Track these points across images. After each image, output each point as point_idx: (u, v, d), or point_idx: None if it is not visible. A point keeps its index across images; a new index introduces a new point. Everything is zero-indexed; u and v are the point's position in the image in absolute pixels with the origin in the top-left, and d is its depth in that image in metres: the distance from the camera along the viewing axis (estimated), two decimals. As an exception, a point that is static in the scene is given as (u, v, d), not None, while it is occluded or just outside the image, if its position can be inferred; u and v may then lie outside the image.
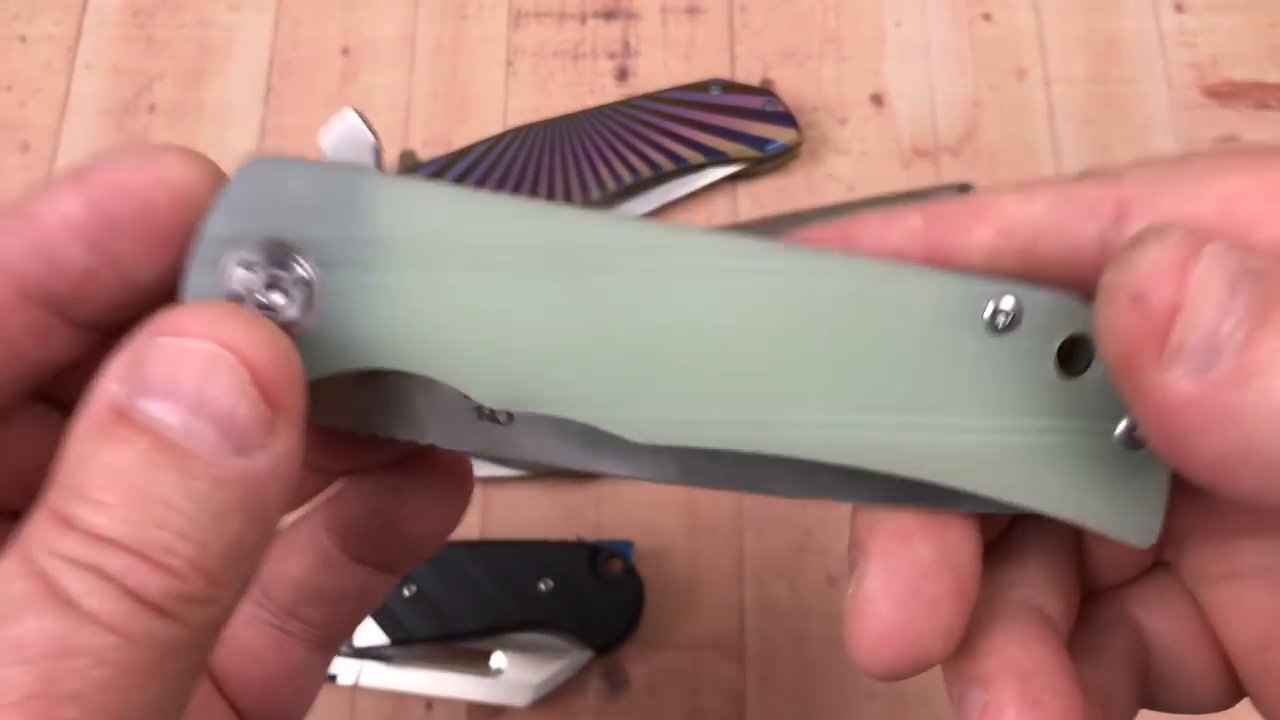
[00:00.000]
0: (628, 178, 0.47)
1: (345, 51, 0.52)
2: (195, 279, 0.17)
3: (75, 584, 0.14)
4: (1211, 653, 0.21)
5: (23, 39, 0.52)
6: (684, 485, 0.19)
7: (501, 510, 0.44)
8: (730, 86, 0.49)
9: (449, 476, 0.22)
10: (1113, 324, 0.16)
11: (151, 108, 0.51)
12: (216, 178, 0.18)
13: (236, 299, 0.17)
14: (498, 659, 0.41)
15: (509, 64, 0.51)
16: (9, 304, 0.17)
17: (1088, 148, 0.49)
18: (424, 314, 0.17)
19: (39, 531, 0.15)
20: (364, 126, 0.18)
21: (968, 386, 0.18)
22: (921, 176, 0.49)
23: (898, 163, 0.49)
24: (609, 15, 0.52)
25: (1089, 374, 0.18)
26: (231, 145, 0.50)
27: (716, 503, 0.44)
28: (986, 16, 0.52)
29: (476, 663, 0.41)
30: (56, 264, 0.17)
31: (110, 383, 0.15)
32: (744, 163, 0.48)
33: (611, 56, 0.52)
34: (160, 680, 0.15)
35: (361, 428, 0.18)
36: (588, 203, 0.47)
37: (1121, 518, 0.18)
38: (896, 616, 0.18)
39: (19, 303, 0.17)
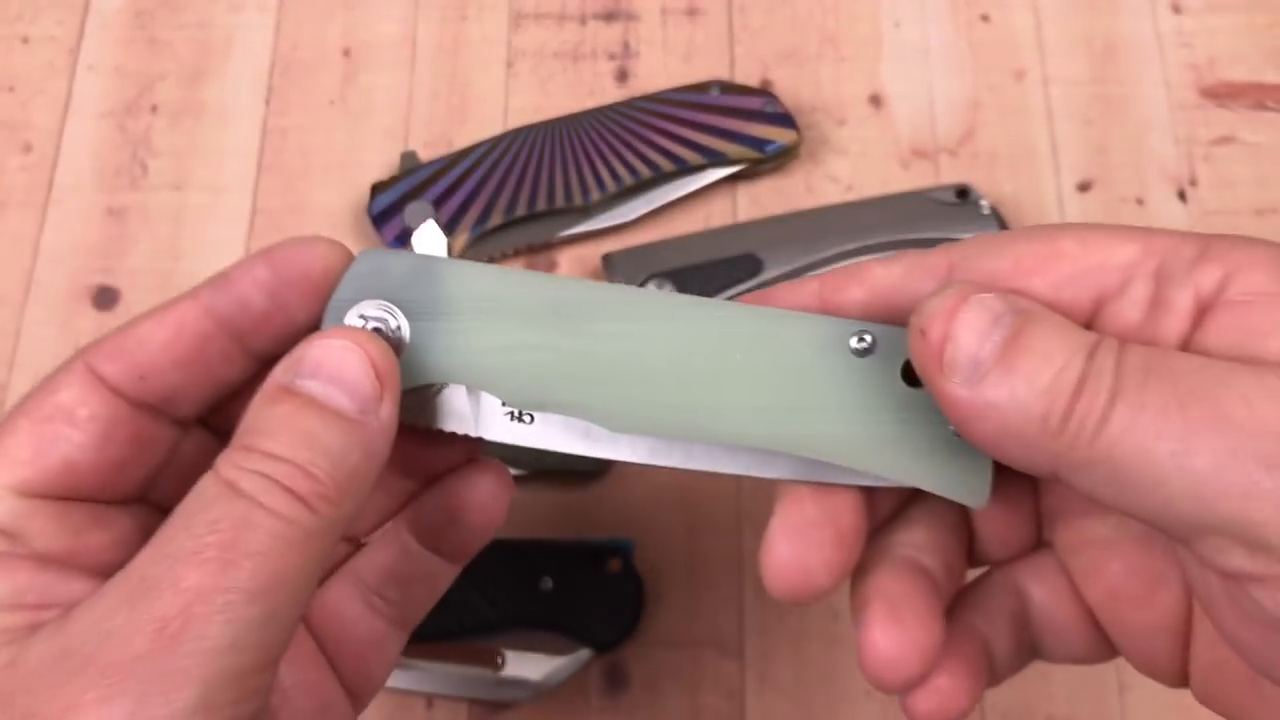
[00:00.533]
0: (628, 178, 0.47)
1: (346, 52, 0.52)
2: (328, 325, 0.25)
3: (251, 485, 0.22)
4: (1079, 611, 0.27)
5: (25, 40, 0.52)
6: (652, 464, 0.26)
7: (502, 509, 0.44)
8: (729, 87, 0.50)
9: (495, 480, 0.29)
10: (913, 349, 0.24)
11: (153, 108, 0.51)
12: (347, 256, 0.26)
13: None
14: (499, 657, 0.41)
15: (509, 65, 0.52)
16: (212, 334, 0.25)
17: (1086, 148, 0.50)
18: (474, 347, 0.26)
19: (228, 458, 0.22)
20: (440, 231, 0.28)
21: (841, 393, 0.25)
22: (920, 177, 0.49)
23: (896, 163, 0.50)
24: (609, 16, 0.53)
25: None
26: (232, 145, 0.50)
27: (716, 502, 0.44)
28: (985, 17, 0.52)
29: (477, 660, 0.41)
30: (246, 307, 0.25)
31: (277, 372, 0.24)
32: (743, 163, 0.48)
33: (611, 57, 0.52)
34: (303, 553, 0.22)
35: (433, 424, 0.26)
36: (588, 203, 0.47)
37: (958, 485, 0.25)
38: (788, 552, 0.25)
39: (218, 334, 0.26)
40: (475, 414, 0.26)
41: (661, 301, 0.26)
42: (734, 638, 0.42)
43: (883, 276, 0.26)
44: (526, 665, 0.41)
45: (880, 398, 0.25)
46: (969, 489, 0.25)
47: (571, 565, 0.42)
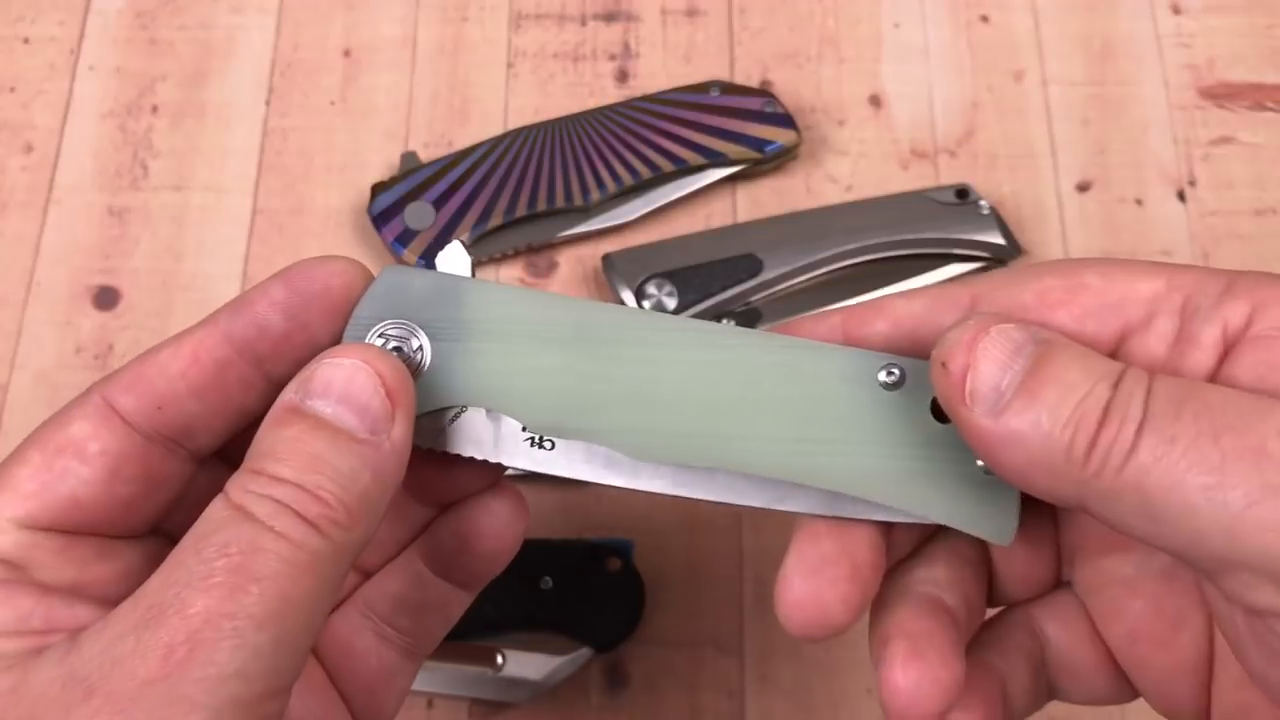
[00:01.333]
0: (627, 179, 0.48)
1: (347, 53, 0.52)
2: (347, 343, 0.25)
3: (260, 509, 0.21)
4: (1098, 652, 0.27)
5: (26, 40, 0.52)
6: (674, 495, 0.26)
7: (502, 509, 0.44)
8: (729, 88, 0.50)
9: (510, 507, 0.29)
10: (935, 381, 0.23)
11: (154, 109, 0.51)
12: (366, 274, 0.26)
13: None
14: (499, 656, 0.41)
15: (510, 65, 0.52)
16: (230, 360, 0.25)
17: (1085, 149, 0.50)
18: (496, 370, 0.25)
19: (237, 481, 0.22)
20: (464, 251, 0.29)
21: (868, 426, 0.25)
22: (920, 178, 0.49)
23: (896, 164, 0.50)
24: (609, 17, 0.53)
25: None
26: (233, 146, 0.50)
27: (716, 501, 0.44)
28: (984, 18, 0.52)
29: (477, 660, 0.41)
30: (264, 330, 0.25)
31: (288, 393, 0.23)
32: (743, 164, 0.48)
33: (611, 58, 0.52)
34: (313, 577, 0.21)
35: (451, 449, 0.26)
36: (588, 203, 0.47)
37: (984, 523, 0.25)
38: (804, 588, 0.24)
39: (236, 360, 0.25)
40: (495, 439, 0.25)
41: (688, 328, 0.26)
42: (734, 637, 0.42)
43: (905, 309, 0.26)
44: (526, 665, 0.41)
45: (908, 432, 0.25)
46: (995, 526, 0.25)
47: (571, 565, 0.43)
